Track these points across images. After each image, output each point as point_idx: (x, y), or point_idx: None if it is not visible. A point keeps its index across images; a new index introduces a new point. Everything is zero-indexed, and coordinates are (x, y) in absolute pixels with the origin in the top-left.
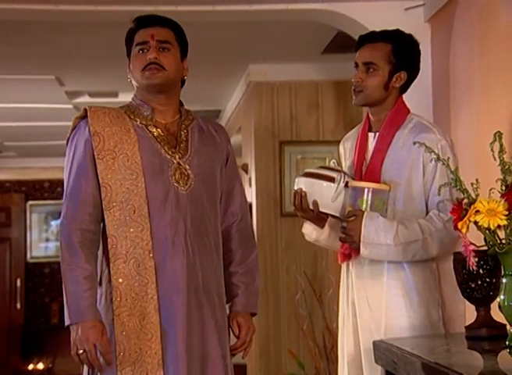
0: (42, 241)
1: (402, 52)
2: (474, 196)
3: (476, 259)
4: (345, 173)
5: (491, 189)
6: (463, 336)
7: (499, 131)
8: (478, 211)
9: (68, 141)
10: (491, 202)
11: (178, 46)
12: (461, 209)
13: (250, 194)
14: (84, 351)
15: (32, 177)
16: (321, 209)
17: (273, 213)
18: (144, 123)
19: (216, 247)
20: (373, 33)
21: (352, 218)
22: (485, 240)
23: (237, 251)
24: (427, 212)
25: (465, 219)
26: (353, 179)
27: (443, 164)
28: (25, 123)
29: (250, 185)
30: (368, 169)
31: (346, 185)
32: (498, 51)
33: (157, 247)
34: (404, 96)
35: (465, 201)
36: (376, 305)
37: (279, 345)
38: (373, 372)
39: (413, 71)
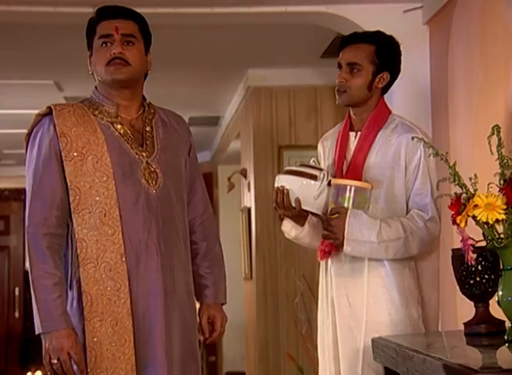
0: None
1: (385, 53)
2: (472, 191)
3: (475, 256)
4: (328, 172)
5: (489, 184)
6: (459, 333)
7: (497, 125)
8: (476, 205)
9: (29, 138)
10: (489, 197)
11: (142, 39)
12: (460, 204)
13: (249, 199)
14: (58, 360)
15: None
16: (304, 207)
17: (272, 217)
18: (108, 120)
19: (185, 244)
20: (356, 34)
21: (335, 215)
22: (483, 235)
23: (202, 244)
24: (407, 211)
25: (464, 213)
26: (335, 177)
27: (441, 159)
28: (23, 130)
29: (249, 190)
30: (349, 168)
31: (329, 183)
32: (496, 51)
33: (130, 250)
34: (403, 98)
35: (463, 196)
36: (357, 302)
37: (278, 349)
38: (352, 369)
39: (394, 72)
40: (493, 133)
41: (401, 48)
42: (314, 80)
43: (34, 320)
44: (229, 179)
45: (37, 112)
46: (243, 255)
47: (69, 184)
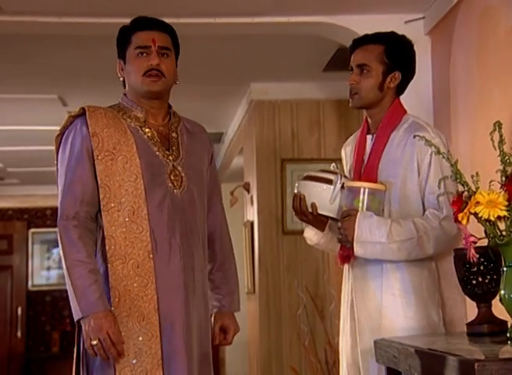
0: (43, 269)
1: (395, 53)
2: (474, 189)
3: (477, 255)
4: (342, 175)
5: (491, 181)
6: (461, 333)
7: (498, 121)
8: (478, 202)
9: (61, 138)
10: (491, 194)
11: (174, 52)
12: (461, 202)
13: (252, 213)
14: (98, 341)
15: (34, 205)
16: (320, 211)
17: (275, 231)
18: (137, 124)
19: (204, 247)
20: (366, 36)
21: (347, 218)
22: (485, 232)
23: (218, 254)
24: (424, 211)
25: (465, 210)
26: (353, 181)
27: (443, 157)
28: (27, 148)
29: (252, 203)
30: (365, 170)
31: (343, 187)
32: (496, 58)
33: (155, 248)
34: (406, 106)
35: (465, 193)
36: (373, 305)
37: (280, 362)
38: (370, 374)
39: (408, 71)
40: (495, 130)
41: None
42: (316, 94)
43: (72, 308)
44: (231, 193)
45: (41, 128)
46: (246, 269)
47: (99, 182)
